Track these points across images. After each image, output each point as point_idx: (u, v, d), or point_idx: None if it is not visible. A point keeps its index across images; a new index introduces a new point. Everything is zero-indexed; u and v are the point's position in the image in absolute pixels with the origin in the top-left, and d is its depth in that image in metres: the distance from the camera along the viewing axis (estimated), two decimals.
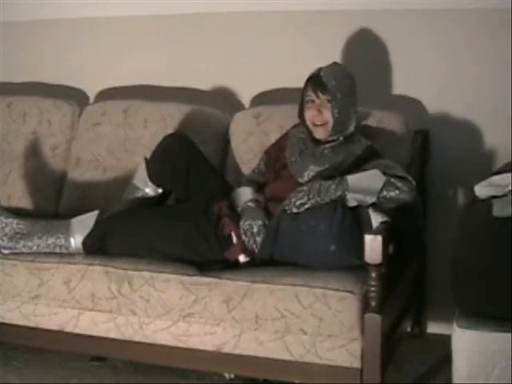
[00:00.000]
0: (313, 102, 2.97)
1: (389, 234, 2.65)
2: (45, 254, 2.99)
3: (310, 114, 2.99)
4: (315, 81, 2.96)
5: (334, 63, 3.03)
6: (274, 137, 3.28)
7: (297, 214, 2.81)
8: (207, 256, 2.90)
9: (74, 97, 3.80)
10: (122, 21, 3.82)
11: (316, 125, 2.98)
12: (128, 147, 3.50)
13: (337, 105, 2.94)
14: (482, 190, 2.64)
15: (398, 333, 2.96)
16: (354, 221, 2.74)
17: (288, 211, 2.83)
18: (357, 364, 2.65)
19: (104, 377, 3.13)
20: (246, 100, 3.71)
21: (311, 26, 3.57)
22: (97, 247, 2.97)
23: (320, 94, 2.96)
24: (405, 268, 3.06)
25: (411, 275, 3.22)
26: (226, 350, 2.78)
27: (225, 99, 3.70)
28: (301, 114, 3.04)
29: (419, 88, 3.45)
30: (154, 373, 3.11)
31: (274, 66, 3.63)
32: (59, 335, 2.96)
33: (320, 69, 2.98)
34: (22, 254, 2.99)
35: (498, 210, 2.47)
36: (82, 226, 3.00)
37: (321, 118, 2.96)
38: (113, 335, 2.90)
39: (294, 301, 2.66)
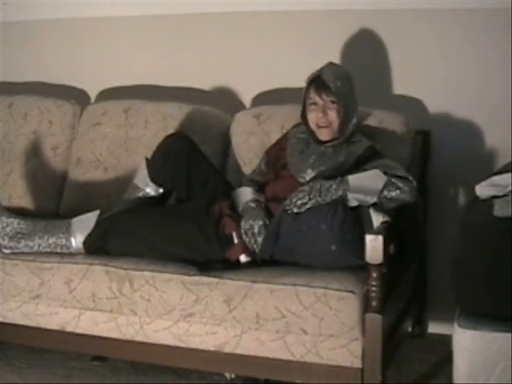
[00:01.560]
0: (316, 104, 2.97)
1: (390, 233, 2.65)
2: (46, 253, 2.99)
3: (314, 117, 2.99)
4: (318, 83, 2.96)
5: (331, 63, 3.03)
6: (274, 137, 3.29)
7: (298, 213, 2.81)
8: (208, 256, 2.90)
9: (75, 97, 3.79)
10: (123, 21, 3.82)
11: (320, 127, 2.98)
12: (129, 147, 3.50)
13: (341, 105, 2.94)
14: (482, 189, 2.64)
15: (398, 333, 2.96)
16: (355, 221, 2.74)
17: (289, 211, 2.83)
18: (358, 364, 2.65)
19: (105, 377, 3.13)
20: (246, 100, 3.71)
21: (311, 25, 3.57)
22: (97, 247, 2.98)
23: (324, 96, 2.95)
24: (406, 268, 3.06)
25: (412, 275, 3.22)
26: (227, 349, 2.79)
27: (226, 99, 3.70)
28: (303, 116, 3.04)
29: (420, 88, 3.45)
30: (155, 373, 3.11)
31: (275, 65, 3.63)
32: (60, 335, 2.97)
33: (320, 70, 2.98)
34: (23, 253, 3.00)
35: (499, 210, 2.47)
36: (83, 225, 3.00)
37: (326, 119, 2.96)
38: (114, 335, 2.90)
39: (295, 301, 2.66)
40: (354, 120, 2.99)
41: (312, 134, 3.02)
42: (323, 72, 2.96)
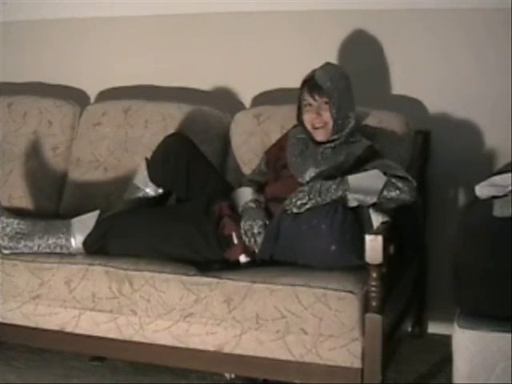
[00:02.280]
0: (310, 105, 2.97)
1: (389, 234, 2.65)
2: (45, 254, 2.99)
3: (308, 118, 2.99)
4: (310, 84, 2.96)
5: (327, 63, 3.03)
6: (274, 137, 3.29)
7: (297, 214, 2.81)
8: (208, 256, 2.90)
9: (75, 97, 3.80)
10: (123, 21, 3.82)
11: (316, 127, 2.98)
12: (128, 147, 3.50)
13: (334, 105, 2.94)
14: (482, 190, 2.64)
15: (398, 333, 2.96)
16: (355, 221, 2.75)
17: (289, 211, 2.83)
18: (357, 364, 2.65)
19: (104, 377, 3.13)
20: (246, 100, 3.71)
21: (311, 25, 3.57)
22: (97, 247, 2.98)
23: (317, 97, 2.95)
24: (405, 268, 3.06)
25: (412, 275, 3.21)
26: (227, 350, 2.78)
27: (225, 99, 3.70)
28: (299, 118, 3.04)
29: (420, 88, 3.44)
30: (154, 373, 3.11)
31: (275, 65, 3.63)
32: (60, 335, 2.97)
33: (314, 71, 2.98)
34: (23, 254, 2.99)
35: (499, 210, 2.47)
36: (83, 225, 3.00)
37: (320, 120, 2.96)
38: (113, 335, 2.90)
39: (295, 301, 2.66)
40: (352, 119, 2.99)
41: (310, 134, 3.02)
42: (316, 73, 2.96)
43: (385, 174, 2.82)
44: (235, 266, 2.87)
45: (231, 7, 3.64)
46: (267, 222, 2.89)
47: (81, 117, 3.64)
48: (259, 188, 3.07)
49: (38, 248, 3.00)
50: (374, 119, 3.24)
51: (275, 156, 3.13)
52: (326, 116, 2.95)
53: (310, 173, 2.96)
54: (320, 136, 2.99)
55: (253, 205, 2.97)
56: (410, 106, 3.44)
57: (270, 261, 2.86)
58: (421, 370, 3.13)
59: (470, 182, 2.82)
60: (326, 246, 2.71)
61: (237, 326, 2.74)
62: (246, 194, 3.03)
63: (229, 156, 3.42)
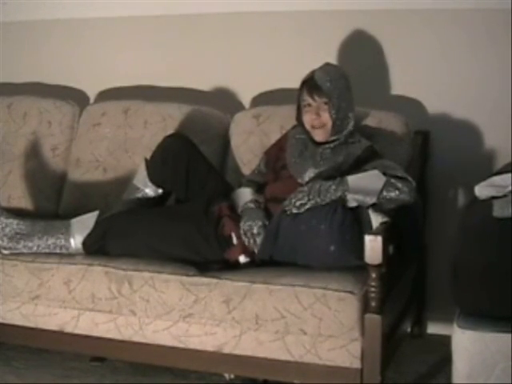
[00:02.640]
0: (309, 105, 2.98)
1: (389, 234, 2.65)
2: (45, 254, 2.99)
3: (308, 118, 2.99)
4: (310, 84, 2.96)
5: (327, 64, 3.03)
6: (274, 137, 3.29)
7: (297, 214, 2.81)
8: (207, 256, 2.90)
9: (74, 97, 3.79)
10: (123, 21, 3.81)
11: (315, 128, 2.98)
12: (128, 148, 3.50)
13: (334, 106, 2.94)
14: (482, 190, 2.64)
15: (398, 333, 2.96)
16: (354, 221, 2.74)
17: (288, 212, 2.82)
18: (357, 364, 2.65)
19: (103, 377, 3.13)
20: (246, 100, 3.71)
21: (311, 26, 3.56)
22: (97, 247, 2.98)
23: (316, 97, 2.95)
24: (405, 268, 3.06)
25: (411, 276, 3.21)
26: (226, 350, 2.78)
27: (225, 99, 3.70)
28: (299, 118, 3.04)
29: (419, 88, 3.44)
30: (154, 373, 3.11)
31: (274, 66, 3.63)
32: (59, 335, 2.96)
33: (313, 71, 2.98)
34: (22, 254, 2.99)
35: (499, 211, 2.47)
36: (82, 226, 3.00)
37: (319, 120, 2.96)
38: (113, 335, 2.90)
39: (294, 301, 2.66)
40: (351, 120, 2.99)
41: (309, 135, 3.02)
42: (316, 73, 2.96)
43: (384, 174, 2.81)
44: (235, 266, 2.87)
45: (231, 7, 3.64)
46: (267, 223, 2.89)
47: (80, 117, 3.64)
48: (259, 188, 3.07)
49: (38, 248, 3.00)
50: (373, 119, 3.23)
51: (275, 156, 3.13)
52: (326, 116, 2.95)
53: (310, 173, 2.95)
54: (319, 136, 2.99)
55: (252, 205, 2.97)
56: (409, 106, 3.44)
57: (270, 261, 2.86)
58: (420, 371, 3.13)
59: (469, 183, 2.82)
60: (326, 246, 2.71)
61: (236, 326, 2.74)
62: (245, 195, 3.03)
63: (228, 156, 3.42)
